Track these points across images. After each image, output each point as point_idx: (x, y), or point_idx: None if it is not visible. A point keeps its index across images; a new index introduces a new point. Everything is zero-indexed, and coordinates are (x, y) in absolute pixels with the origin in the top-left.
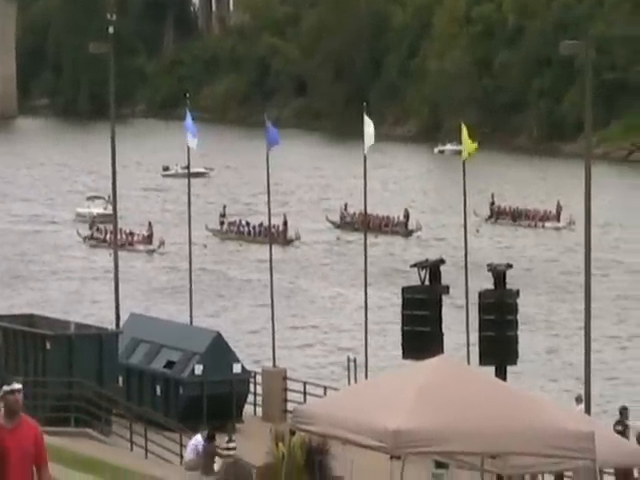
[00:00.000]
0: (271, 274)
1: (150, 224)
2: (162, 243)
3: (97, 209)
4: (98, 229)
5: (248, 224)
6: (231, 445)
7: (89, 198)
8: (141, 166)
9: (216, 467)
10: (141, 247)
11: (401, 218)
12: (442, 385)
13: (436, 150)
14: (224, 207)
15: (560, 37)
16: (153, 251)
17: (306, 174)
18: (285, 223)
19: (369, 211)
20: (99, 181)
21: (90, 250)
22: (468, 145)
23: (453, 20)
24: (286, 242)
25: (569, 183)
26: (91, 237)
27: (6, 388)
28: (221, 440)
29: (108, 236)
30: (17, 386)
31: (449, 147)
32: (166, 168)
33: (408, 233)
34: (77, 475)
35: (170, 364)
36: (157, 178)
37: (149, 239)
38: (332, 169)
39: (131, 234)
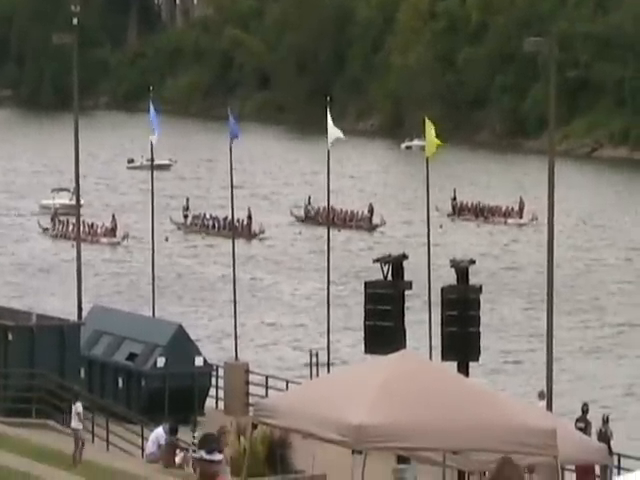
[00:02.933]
0: (234, 268)
1: (114, 216)
2: (126, 236)
3: (62, 201)
4: (60, 221)
5: (212, 217)
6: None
7: (54, 190)
8: (105, 158)
9: (177, 460)
10: (105, 240)
11: (365, 213)
12: (404, 380)
13: (403, 146)
14: (187, 200)
15: (524, 34)
16: (117, 244)
17: (269, 168)
18: (249, 217)
19: (333, 206)
20: (63, 173)
21: (52, 242)
22: (431, 141)
23: (417, 15)
24: (250, 236)
25: (532, 179)
26: (53, 229)
27: (205, 456)
28: (183, 433)
29: (70, 228)
30: (218, 457)
31: (416, 142)
32: (131, 160)
33: (372, 228)
34: (38, 466)
35: (132, 356)
36: (122, 170)
37: (113, 232)
38: (296, 163)
39: (93, 226)
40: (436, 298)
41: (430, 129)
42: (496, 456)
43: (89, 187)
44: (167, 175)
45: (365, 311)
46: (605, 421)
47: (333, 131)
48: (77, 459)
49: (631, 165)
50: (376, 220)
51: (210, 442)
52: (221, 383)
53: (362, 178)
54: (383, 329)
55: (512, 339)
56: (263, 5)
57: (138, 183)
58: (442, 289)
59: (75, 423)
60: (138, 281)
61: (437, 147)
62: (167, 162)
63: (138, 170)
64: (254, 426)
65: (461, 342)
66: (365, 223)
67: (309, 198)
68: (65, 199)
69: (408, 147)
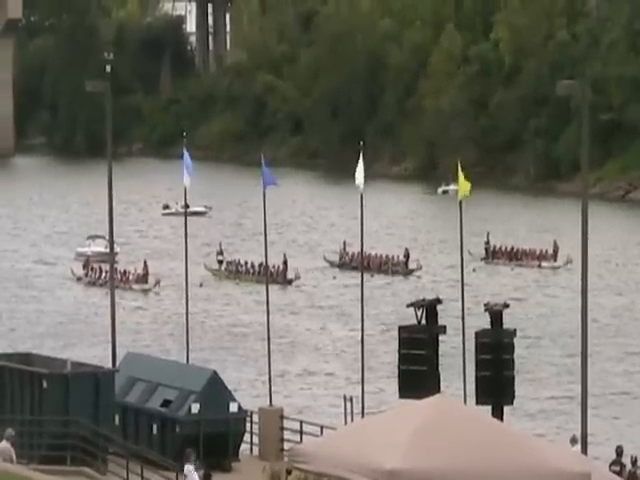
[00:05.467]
0: (267, 314)
1: (145, 263)
2: (158, 282)
3: (98, 248)
4: (92, 268)
5: (246, 263)
6: None
7: (89, 237)
8: (140, 205)
9: None
10: (137, 286)
11: (401, 257)
12: (438, 425)
13: (440, 190)
14: (220, 245)
15: (556, 77)
16: (149, 290)
17: (303, 213)
18: (285, 262)
19: (369, 251)
20: (98, 220)
21: (85, 289)
22: (462, 185)
23: (450, 59)
24: (286, 282)
25: (565, 222)
26: (85, 276)
27: None
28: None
29: (103, 275)
30: None
31: (453, 187)
32: (166, 207)
33: (408, 272)
34: None
35: (166, 403)
36: (157, 217)
37: (144, 278)
38: (330, 208)
39: (126, 273)
40: (471, 342)
41: (461, 173)
42: None
43: (124, 234)
44: (202, 221)
45: (399, 355)
46: (634, 462)
47: (360, 177)
48: None
49: None
50: (412, 265)
51: None
52: (256, 429)
53: (397, 222)
54: (417, 373)
55: (547, 383)
56: (296, 50)
57: (173, 229)
58: (476, 333)
59: (186, 469)
60: (172, 327)
61: (467, 191)
62: (202, 209)
63: (173, 216)
64: (289, 472)
65: (495, 386)
66: (401, 268)
67: (344, 243)
68: (101, 246)
69: (445, 192)
